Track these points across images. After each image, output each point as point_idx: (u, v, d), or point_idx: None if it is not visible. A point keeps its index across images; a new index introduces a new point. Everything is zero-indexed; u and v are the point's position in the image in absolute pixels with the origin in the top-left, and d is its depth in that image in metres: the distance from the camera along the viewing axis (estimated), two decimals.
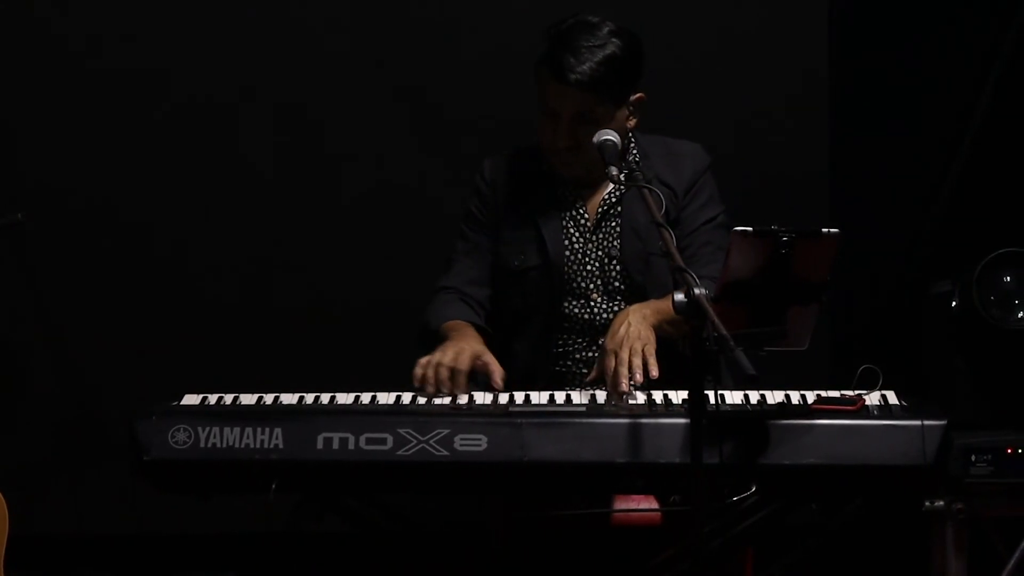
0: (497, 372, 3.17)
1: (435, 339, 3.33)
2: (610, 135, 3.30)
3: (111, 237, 4.54)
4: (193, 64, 4.53)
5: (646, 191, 3.10)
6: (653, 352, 3.10)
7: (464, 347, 3.19)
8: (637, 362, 3.06)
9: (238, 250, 4.55)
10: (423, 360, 3.14)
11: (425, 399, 3.08)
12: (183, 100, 4.54)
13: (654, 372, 3.06)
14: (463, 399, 3.08)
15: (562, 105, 3.33)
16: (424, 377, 3.12)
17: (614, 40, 3.35)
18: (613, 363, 3.10)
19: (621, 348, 3.10)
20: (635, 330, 3.14)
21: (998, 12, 4.31)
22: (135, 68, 4.53)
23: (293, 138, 4.56)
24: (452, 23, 4.53)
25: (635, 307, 3.26)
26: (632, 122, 3.43)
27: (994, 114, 4.28)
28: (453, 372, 3.12)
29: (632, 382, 3.06)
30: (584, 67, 3.30)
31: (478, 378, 3.21)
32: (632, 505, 3.17)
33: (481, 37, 4.51)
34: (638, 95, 3.41)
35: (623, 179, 3.33)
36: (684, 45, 4.41)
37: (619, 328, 3.17)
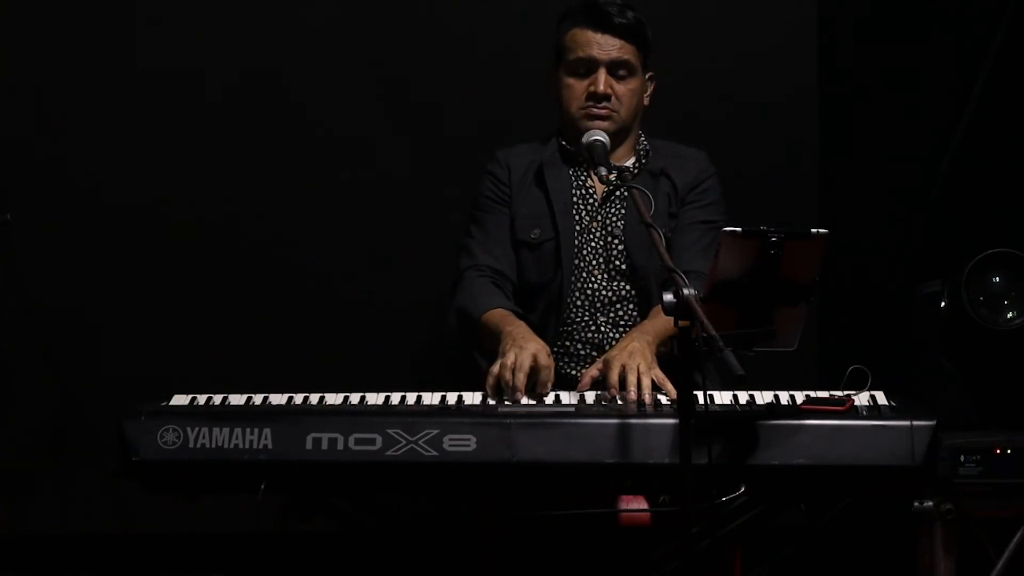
0: (547, 381, 3.15)
1: (480, 329, 3.38)
2: (599, 136, 3.36)
3: (98, 236, 4.53)
4: (181, 61, 4.52)
5: (635, 191, 3.10)
6: (649, 383, 3.09)
7: (530, 348, 3.17)
8: (646, 382, 3.07)
9: (226, 249, 4.53)
10: (496, 368, 3.13)
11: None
12: (169, 98, 4.52)
13: (647, 397, 3.05)
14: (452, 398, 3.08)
15: (603, 52, 3.50)
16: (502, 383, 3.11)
17: (632, 9, 3.57)
18: (617, 373, 3.10)
19: (631, 359, 3.12)
20: (640, 350, 3.16)
21: (988, 14, 4.32)
22: (121, 65, 4.51)
23: (280, 136, 4.54)
24: (454, 23, 4.53)
25: (637, 334, 3.28)
26: (647, 99, 3.60)
27: (983, 114, 4.28)
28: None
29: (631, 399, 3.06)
30: (625, 14, 3.54)
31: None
32: (622, 505, 3.17)
33: (480, 36, 4.50)
34: (651, 73, 3.61)
35: (614, 179, 3.33)
36: (675, 46, 4.40)
37: (626, 344, 3.19)
